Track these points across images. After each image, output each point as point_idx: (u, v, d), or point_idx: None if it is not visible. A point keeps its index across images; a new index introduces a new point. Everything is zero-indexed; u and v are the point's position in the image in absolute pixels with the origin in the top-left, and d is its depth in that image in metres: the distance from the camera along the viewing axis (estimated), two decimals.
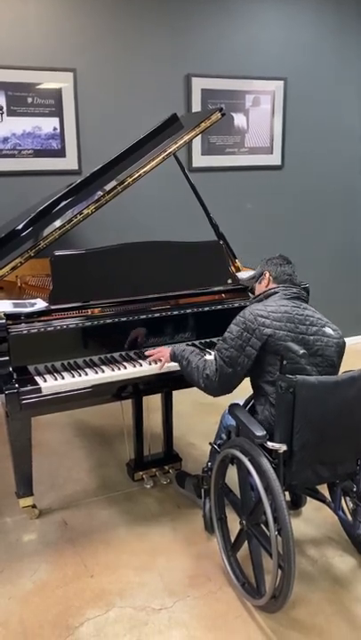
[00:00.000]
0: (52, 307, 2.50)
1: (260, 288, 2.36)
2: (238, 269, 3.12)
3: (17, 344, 2.37)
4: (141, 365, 2.53)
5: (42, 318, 2.46)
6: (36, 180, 3.61)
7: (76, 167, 3.72)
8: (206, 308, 2.75)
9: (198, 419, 3.56)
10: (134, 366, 2.52)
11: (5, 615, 2.12)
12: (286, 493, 2.20)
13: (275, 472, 1.96)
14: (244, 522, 2.15)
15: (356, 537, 2.39)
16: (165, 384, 2.72)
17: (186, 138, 2.80)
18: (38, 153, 3.64)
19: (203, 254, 2.83)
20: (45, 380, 2.37)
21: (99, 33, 3.62)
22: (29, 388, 2.33)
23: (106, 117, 3.73)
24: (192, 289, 2.80)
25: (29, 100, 3.54)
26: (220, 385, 2.19)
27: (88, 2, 3.56)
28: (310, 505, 2.60)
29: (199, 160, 4.07)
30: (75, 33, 3.57)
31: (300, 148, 4.40)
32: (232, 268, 2.99)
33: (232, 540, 2.29)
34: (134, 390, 2.65)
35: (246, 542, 2.18)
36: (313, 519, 2.63)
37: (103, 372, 2.46)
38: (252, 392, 2.27)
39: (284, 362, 1.99)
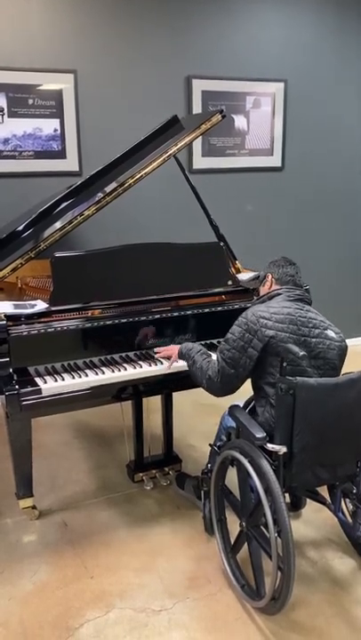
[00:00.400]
0: (53, 308, 2.50)
1: (263, 290, 2.37)
2: (239, 271, 3.13)
3: (17, 345, 2.37)
4: (141, 367, 2.53)
5: (42, 319, 2.46)
6: (37, 181, 3.62)
7: (77, 168, 3.72)
8: (206, 310, 2.75)
9: (198, 420, 3.57)
10: (134, 368, 2.52)
11: (5, 616, 2.12)
12: (286, 495, 2.21)
13: (275, 474, 1.96)
14: (243, 523, 2.15)
15: (356, 539, 2.38)
16: (165, 385, 2.72)
17: (186, 139, 2.81)
18: (39, 154, 3.64)
19: (203, 256, 2.83)
20: (45, 382, 2.38)
21: (100, 35, 3.63)
22: (29, 389, 2.34)
23: (106, 119, 3.73)
24: (192, 290, 2.80)
25: (30, 101, 3.54)
26: (222, 386, 2.20)
27: (89, 4, 3.57)
28: (310, 507, 2.60)
29: (200, 162, 4.07)
30: (76, 35, 3.57)
31: (300, 150, 4.41)
32: (232, 269, 2.99)
33: (232, 541, 2.29)
34: (134, 391, 2.65)
35: (246, 544, 2.18)
36: (313, 521, 2.63)
37: (103, 373, 2.47)
38: (252, 393, 2.28)
39: (284, 364, 1.99)
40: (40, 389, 2.34)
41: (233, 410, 2.23)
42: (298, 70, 4.24)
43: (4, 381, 2.33)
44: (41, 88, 3.55)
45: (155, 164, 2.73)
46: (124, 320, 2.57)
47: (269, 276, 2.33)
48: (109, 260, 2.65)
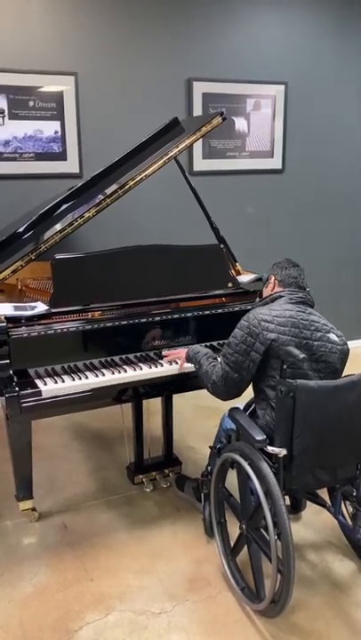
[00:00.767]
0: (53, 310, 2.50)
1: (266, 292, 2.37)
2: (239, 273, 3.12)
3: (17, 347, 2.37)
4: (141, 369, 2.53)
5: (42, 321, 2.46)
6: (38, 183, 3.62)
7: (77, 170, 3.73)
8: (207, 312, 2.75)
9: (198, 422, 3.56)
10: (134, 370, 2.52)
11: (5, 618, 2.12)
12: (286, 497, 2.21)
13: (275, 476, 1.96)
14: (243, 526, 2.14)
15: (356, 541, 2.38)
16: (166, 388, 2.72)
17: (187, 142, 2.81)
18: (39, 156, 3.64)
19: (203, 258, 2.84)
20: (46, 384, 2.38)
21: (100, 37, 3.64)
22: (30, 391, 2.34)
23: (107, 121, 3.73)
24: (193, 292, 2.80)
25: (31, 103, 3.55)
26: (226, 390, 2.20)
27: (90, 6, 3.58)
28: (310, 509, 2.60)
29: (200, 164, 4.08)
30: (76, 37, 3.58)
31: (300, 152, 4.41)
32: (233, 271, 2.99)
33: (232, 544, 2.28)
34: (134, 394, 2.65)
35: (246, 546, 2.18)
36: (313, 523, 2.63)
37: (103, 375, 2.47)
38: (252, 396, 2.28)
39: (284, 366, 1.99)
40: (40, 391, 2.34)
41: (233, 412, 2.23)
42: (298, 72, 4.25)
43: (4, 383, 2.33)
44: (42, 90, 3.55)
45: (155, 167, 2.73)
46: (125, 322, 2.57)
47: (272, 278, 2.33)
48: (110, 262, 2.65)
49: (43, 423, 3.25)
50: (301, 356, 1.98)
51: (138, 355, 2.62)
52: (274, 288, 2.32)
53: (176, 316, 2.68)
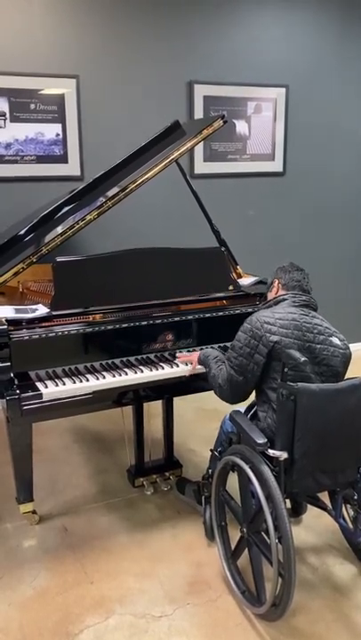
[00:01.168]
0: (54, 312, 2.50)
1: (270, 295, 2.38)
2: (240, 276, 3.13)
3: (18, 350, 2.37)
4: (142, 372, 2.53)
5: (43, 324, 2.46)
6: (39, 185, 3.63)
7: (79, 173, 3.73)
8: (207, 315, 2.75)
9: (199, 424, 3.56)
10: (135, 372, 2.52)
11: (5, 621, 2.12)
12: (287, 501, 2.20)
13: (276, 480, 1.96)
14: (244, 529, 2.14)
15: (357, 545, 2.38)
16: (166, 390, 2.72)
17: (188, 145, 2.81)
18: (41, 159, 3.65)
19: (204, 261, 2.84)
20: (46, 386, 2.38)
21: (102, 40, 3.64)
22: (30, 393, 2.34)
23: (108, 124, 3.74)
24: (194, 295, 2.80)
25: (32, 106, 3.55)
26: (232, 393, 2.21)
27: (91, 9, 3.58)
28: (311, 512, 2.59)
29: (201, 167, 4.08)
30: (78, 40, 3.59)
31: (301, 155, 4.41)
32: (234, 274, 2.99)
33: (232, 547, 2.28)
34: (135, 396, 2.65)
35: (247, 550, 2.17)
36: (314, 527, 2.63)
37: (104, 377, 2.47)
38: (253, 399, 2.27)
39: (285, 369, 1.99)
40: (41, 394, 2.34)
41: (234, 415, 2.23)
42: (299, 75, 4.25)
43: (5, 386, 2.33)
44: (43, 93, 3.56)
45: (156, 169, 2.73)
46: (126, 325, 2.57)
47: (276, 282, 2.34)
48: (111, 264, 2.65)
49: (43, 425, 3.24)
50: (302, 359, 1.98)
51: (139, 357, 2.62)
52: (278, 291, 2.33)
53: (177, 318, 2.68)
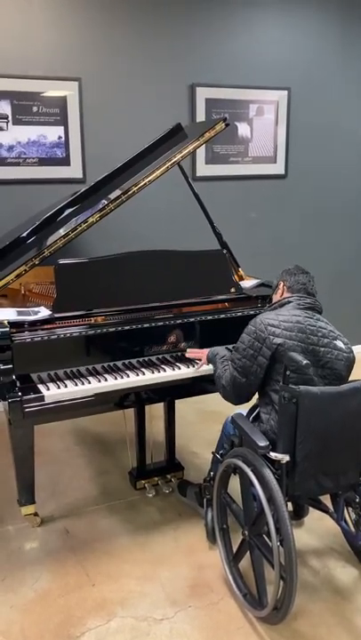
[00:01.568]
0: (56, 315, 2.51)
1: (275, 297, 2.38)
2: (242, 278, 3.13)
3: (20, 352, 2.37)
4: (144, 374, 2.53)
5: (45, 326, 2.46)
6: (41, 188, 3.63)
7: (81, 175, 3.74)
8: (209, 317, 2.75)
9: (201, 427, 3.56)
10: (137, 375, 2.52)
11: (6, 624, 2.12)
12: (289, 504, 2.20)
13: (277, 483, 1.95)
14: (246, 532, 2.14)
15: (359, 548, 2.38)
16: (168, 393, 2.72)
17: (190, 148, 2.82)
18: (43, 161, 3.66)
19: (206, 263, 2.84)
20: (48, 389, 2.38)
21: (104, 42, 3.65)
22: (32, 396, 2.34)
23: (110, 126, 3.75)
24: (195, 298, 2.80)
25: (35, 108, 3.56)
26: (235, 394, 2.22)
27: (94, 12, 3.59)
28: (313, 515, 2.59)
29: (203, 169, 4.09)
30: (80, 42, 3.60)
31: (303, 157, 4.42)
32: (235, 277, 3.00)
33: (234, 550, 2.28)
34: (137, 399, 2.65)
35: (248, 553, 2.17)
36: (315, 530, 2.62)
37: (106, 380, 2.47)
38: (255, 401, 2.27)
39: (287, 372, 1.99)
40: (43, 396, 2.34)
41: (235, 418, 2.23)
42: (301, 78, 4.26)
43: (7, 388, 2.33)
44: (45, 95, 3.57)
45: (158, 172, 2.74)
46: (127, 327, 2.57)
47: (281, 284, 2.34)
48: (113, 267, 2.65)
49: (45, 428, 3.22)
50: (305, 362, 1.98)
51: (141, 360, 2.62)
52: (283, 294, 2.33)
53: (179, 321, 2.68)
